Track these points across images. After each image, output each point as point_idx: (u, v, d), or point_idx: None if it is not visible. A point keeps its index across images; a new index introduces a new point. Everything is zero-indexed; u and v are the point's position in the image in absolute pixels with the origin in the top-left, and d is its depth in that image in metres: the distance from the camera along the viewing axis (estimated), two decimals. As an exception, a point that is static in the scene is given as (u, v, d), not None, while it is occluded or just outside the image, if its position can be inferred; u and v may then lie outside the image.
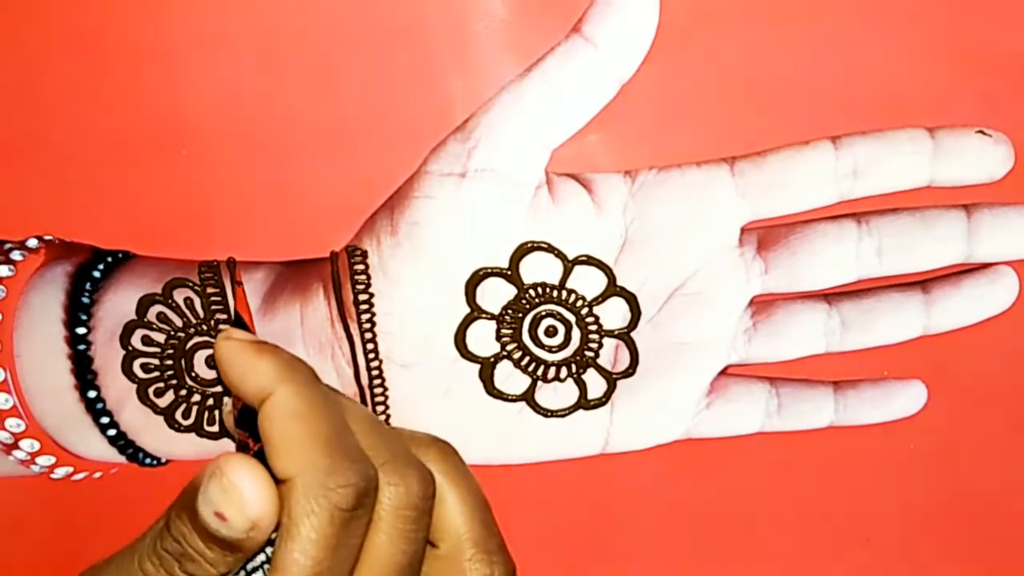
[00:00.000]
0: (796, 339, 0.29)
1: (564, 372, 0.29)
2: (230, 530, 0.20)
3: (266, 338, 0.28)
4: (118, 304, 0.29)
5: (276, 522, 0.21)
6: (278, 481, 0.21)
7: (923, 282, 0.29)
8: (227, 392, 0.23)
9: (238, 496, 0.20)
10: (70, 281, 0.29)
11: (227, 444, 0.29)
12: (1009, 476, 0.46)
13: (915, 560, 0.49)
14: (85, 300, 0.29)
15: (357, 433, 0.22)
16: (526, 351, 0.29)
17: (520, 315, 0.29)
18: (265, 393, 0.21)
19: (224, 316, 0.28)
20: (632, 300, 0.29)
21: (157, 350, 0.28)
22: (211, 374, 0.29)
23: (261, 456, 0.21)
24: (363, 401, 0.29)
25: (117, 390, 0.29)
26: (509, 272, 0.28)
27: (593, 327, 0.29)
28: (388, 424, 0.28)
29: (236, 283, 0.27)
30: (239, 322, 0.25)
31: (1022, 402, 0.44)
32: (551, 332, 0.29)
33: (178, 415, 0.29)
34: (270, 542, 0.21)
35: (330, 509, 0.20)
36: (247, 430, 0.22)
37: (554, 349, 0.29)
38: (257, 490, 0.20)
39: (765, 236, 0.29)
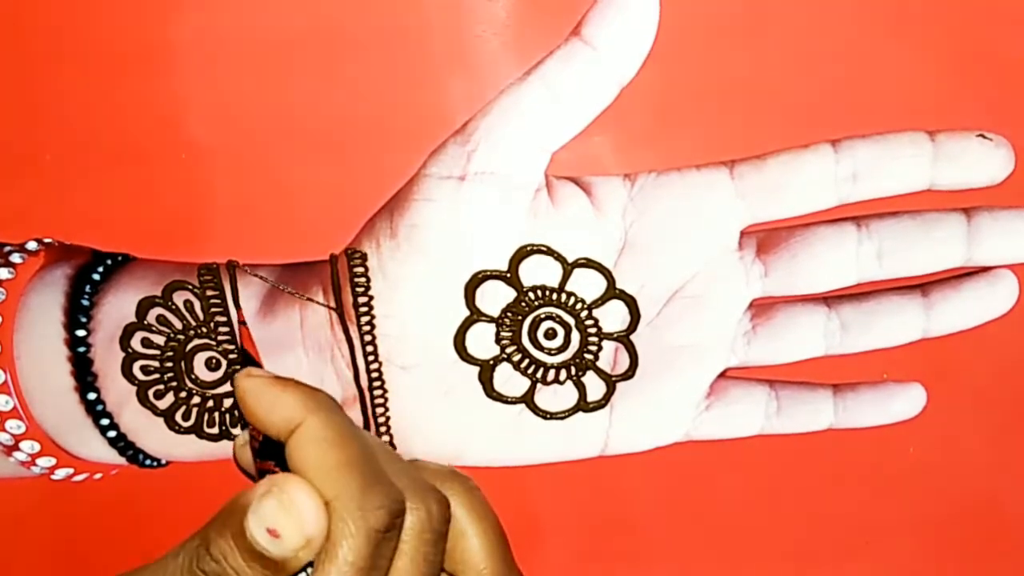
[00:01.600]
0: (796, 342, 0.29)
1: (563, 374, 0.29)
2: (281, 548, 0.21)
3: (266, 341, 0.29)
4: (118, 306, 0.29)
5: (323, 542, 0.21)
6: None
7: (923, 285, 0.29)
8: (245, 426, 0.23)
9: (297, 513, 0.21)
10: (70, 283, 0.29)
11: (227, 446, 0.29)
12: (1009, 479, 0.46)
13: (915, 563, 0.49)
14: (85, 302, 0.29)
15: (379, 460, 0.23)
16: (526, 353, 0.29)
17: (520, 318, 0.29)
18: (294, 424, 0.22)
19: (224, 319, 0.28)
20: (631, 303, 0.29)
21: (157, 352, 0.28)
22: (211, 376, 0.29)
23: None
24: (363, 403, 0.29)
25: (117, 392, 0.29)
26: (509, 275, 0.28)
27: (592, 330, 0.29)
28: (390, 433, 0.28)
29: (241, 323, 0.27)
30: (248, 359, 0.26)
31: (1022, 405, 0.44)
32: (551, 335, 0.29)
33: (178, 417, 0.29)
34: (305, 565, 0.21)
35: (366, 530, 0.21)
36: (272, 459, 0.23)
37: (553, 351, 0.29)
38: (315, 508, 0.21)
39: (765, 239, 0.29)
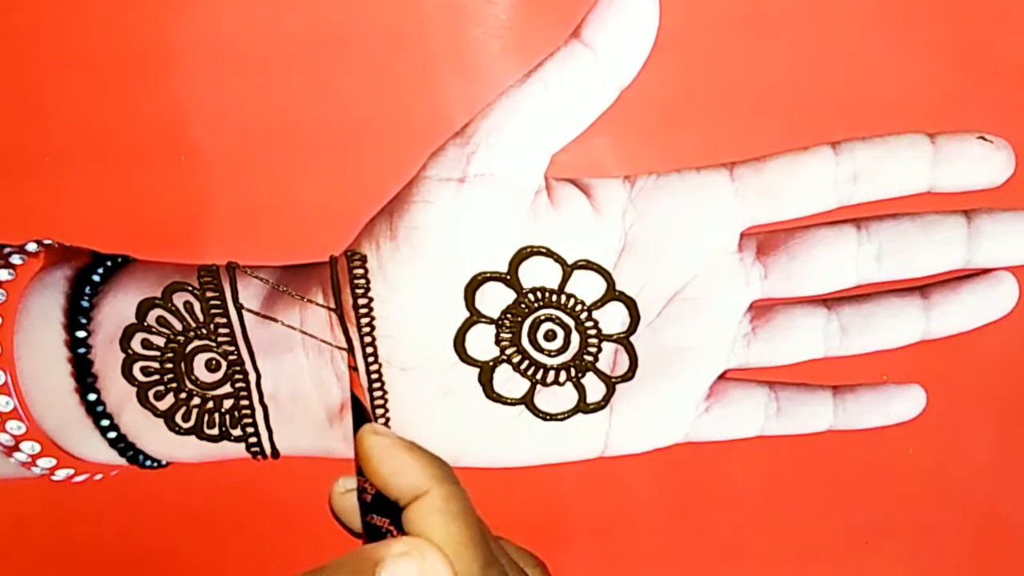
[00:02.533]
0: (795, 343, 0.29)
1: (563, 376, 0.29)
2: None
3: (266, 342, 0.29)
4: (118, 308, 0.29)
5: None
6: None
7: (922, 287, 0.29)
8: (360, 477, 0.24)
9: None
10: (70, 285, 0.29)
11: (227, 447, 0.29)
12: (1009, 479, 0.46)
13: (914, 564, 0.49)
14: (85, 304, 0.29)
15: None
16: (525, 355, 0.29)
17: (519, 319, 0.29)
18: (419, 491, 0.23)
19: (224, 320, 0.28)
20: (631, 304, 0.29)
21: (157, 353, 0.28)
22: (211, 377, 0.29)
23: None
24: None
25: (117, 393, 0.29)
26: (508, 276, 0.28)
27: (592, 331, 0.29)
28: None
29: (351, 369, 0.27)
30: (359, 408, 0.26)
31: (1021, 407, 0.44)
32: (550, 336, 0.29)
33: (178, 418, 0.29)
34: None
35: None
36: (386, 517, 0.23)
37: (553, 353, 0.29)
38: None
39: (764, 241, 0.29)
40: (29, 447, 0.29)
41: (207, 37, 0.36)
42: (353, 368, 0.27)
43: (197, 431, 0.29)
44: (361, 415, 0.25)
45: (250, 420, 0.29)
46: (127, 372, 0.28)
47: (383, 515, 0.23)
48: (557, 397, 0.30)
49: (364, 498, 0.24)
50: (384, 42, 0.35)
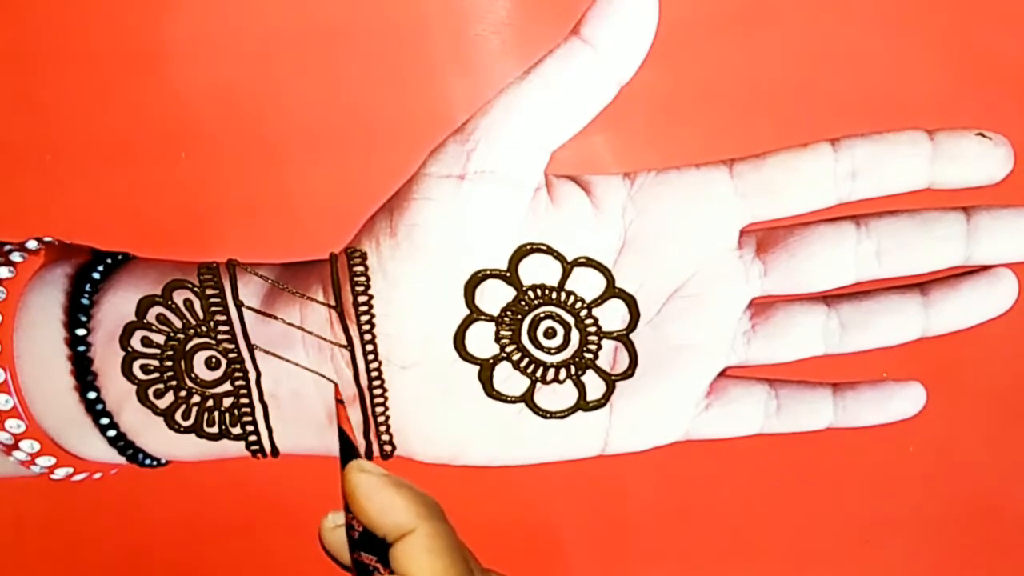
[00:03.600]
0: (795, 341, 0.29)
1: (563, 374, 0.29)
2: None
3: (266, 340, 0.29)
4: (118, 305, 0.29)
5: None
6: None
7: (922, 284, 0.29)
8: (348, 514, 0.24)
9: None
10: (70, 282, 0.29)
11: (226, 445, 0.29)
12: (1008, 477, 0.46)
13: (914, 562, 0.49)
14: (85, 301, 0.29)
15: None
16: (525, 353, 0.29)
17: (519, 317, 0.29)
18: (406, 529, 0.23)
19: (224, 318, 0.28)
20: (631, 302, 0.29)
21: (157, 351, 0.28)
22: (211, 375, 0.29)
23: None
24: (362, 402, 0.29)
25: (117, 391, 0.29)
26: (508, 274, 0.28)
27: (592, 329, 0.29)
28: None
29: (338, 401, 0.28)
30: (348, 444, 0.26)
31: (1021, 404, 0.44)
32: (550, 334, 0.29)
33: (178, 416, 0.29)
34: None
35: None
36: (373, 554, 0.24)
37: (553, 351, 0.29)
38: None
39: (764, 238, 0.29)
40: (28, 445, 0.29)
41: (207, 35, 0.36)
42: (340, 401, 0.28)
43: (197, 429, 0.29)
44: (348, 450, 0.26)
45: (250, 418, 0.29)
46: (127, 370, 0.28)
47: (371, 552, 0.24)
48: (557, 395, 0.30)
49: (352, 535, 0.24)
50: (384, 39, 0.35)
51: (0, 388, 0.28)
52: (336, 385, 0.28)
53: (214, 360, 0.29)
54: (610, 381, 0.29)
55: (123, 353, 0.28)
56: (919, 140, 0.28)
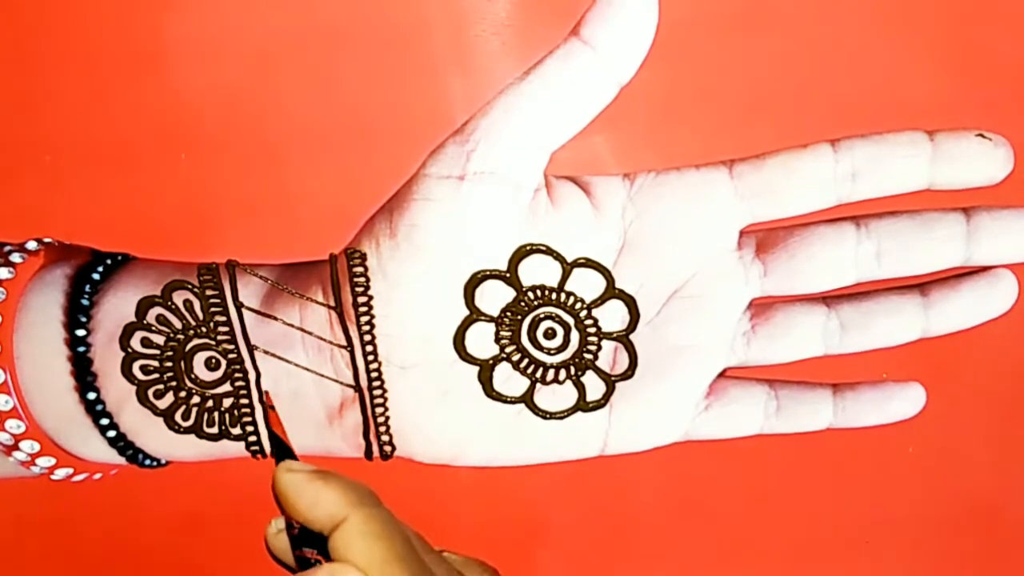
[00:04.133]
0: (795, 341, 0.29)
1: (563, 374, 0.29)
2: None
3: (265, 341, 0.29)
4: (118, 306, 0.29)
5: None
6: None
7: (922, 285, 0.29)
8: (284, 516, 0.24)
9: None
10: (69, 283, 0.29)
11: (226, 445, 0.29)
12: (1008, 478, 0.46)
13: (914, 562, 0.49)
14: (84, 302, 0.29)
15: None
16: (525, 353, 0.29)
17: (519, 317, 0.29)
18: (338, 519, 0.23)
19: (224, 318, 0.28)
20: (631, 302, 0.29)
21: (156, 352, 0.28)
22: (210, 376, 0.29)
23: None
24: (362, 403, 0.29)
25: (117, 392, 0.29)
26: (508, 274, 0.28)
27: (592, 329, 0.29)
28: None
29: (269, 407, 0.28)
30: (281, 445, 0.26)
31: (1021, 404, 0.44)
32: (550, 334, 0.29)
33: (178, 416, 0.29)
34: None
35: None
36: (313, 547, 0.24)
37: (553, 351, 0.29)
38: None
39: (764, 239, 0.29)
40: (28, 446, 0.29)
41: (207, 36, 0.36)
42: (271, 407, 0.28)
43: (197, 430, 0.29)
44: (283, 453, 0.26)
45: (250, 419, 0.29)
46: (127, 371, 0.28)
47: (311, 547, 0.24)
48: (557, 395, 0.30)
49: (292, 533, 0.24)
50: (384, 40, 0.35)
51: (0, 389, 0.28)
52: (267, 393, 0.29)
53: (214, 361, 0.29)
54: (610, 382, 0.29)
55: (123, 354, 0.28)
56: (919, 141, 0.28)
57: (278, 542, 0.26)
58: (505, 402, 0.29)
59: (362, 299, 0.28)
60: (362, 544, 0.23)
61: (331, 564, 0.23)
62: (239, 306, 0.29)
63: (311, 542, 0.24)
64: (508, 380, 0.29)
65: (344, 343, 0.28)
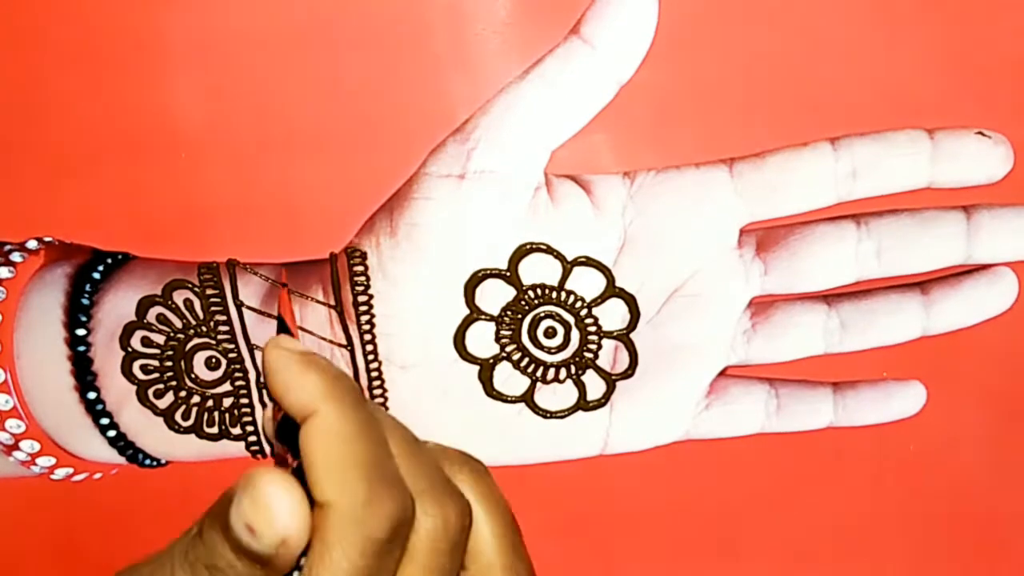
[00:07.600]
0: (795, 340, 0.29)
1: (563, 373, 0.29)
2: (260, 544, 0.19)
3: (265, 340, 0.29)
4: (118, 305, 0.29)
5: (307, 542, 0.20)
6: (313, 501, 0.20)
7: (922, 283, 0.29)
8: (271, 398, 0.22)
9: (269, 512, 0.19)
10: (70, 282, 0.29)
11: (227, 445, 0.29)
12: (1008, 477, 0.46)
13: (914, 561, 0.49)
14: (85, 301, 0.29)
15: (396, 456, 0.21)
16: (525, 352, 0.29)
17: (519, 316, 0.29)
18: (309, 410, 0.21)
19: (224, 318, 0.28)
20: (631, 301, 0.29)
21: (157, 351, 0.28)
22: (210, 375, 0.29)
23: (300, 473, 0.20)
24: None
25: (117, 391, 0.29)
26: (508, 273, 0.28)
27: (592, 328, 0.29)
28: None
29: (282, 284, 0.27)
30: (283, 326, 0.25)
31: (1021, 403, 0.44)
32: (550, 333, 0.29)
33: (178, 416, 0.29)
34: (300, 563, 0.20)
35: (364, 539, 0.20)
36: (286, 444, 0.22)
37: (553, 350, 0.29)
38: (289, 508, 0.19)
39: (764, 237, 0.29)
40: (28, 446, 0.29)
41: (207, 35, 0.36)
42: (283, 284, 0.26)
43: (197, 429, 0.29)
44: (282, 331, 0.25)
45: (250, 418, 0.29)
46: (127, 370, 0.28)
47: (285, 441, 0.22)
48: (557, 395, 0.30)
49: (275, 423, 0.22)
50: (384, 39, 0.35)
51: (0, 388, 0.28)
52: (284, 270, 0.27)
53: (214, 360, 0.29)
54: (610, 381, 0.29)
55: (123, 353, 0.28)
56: (919, 139, 0.28)
57: (270, 428, 0.23)
58: (505, 401, 0.29)
59: (362, 298, 0.28)
60: (323, 444, 0.20)
61: (249, 471, 0.20)
62: (239, 305, 0.29)
63: (288, 433, 0.22)
64: (508, 379, 0.29)
65: (344, 342, 0.28)
